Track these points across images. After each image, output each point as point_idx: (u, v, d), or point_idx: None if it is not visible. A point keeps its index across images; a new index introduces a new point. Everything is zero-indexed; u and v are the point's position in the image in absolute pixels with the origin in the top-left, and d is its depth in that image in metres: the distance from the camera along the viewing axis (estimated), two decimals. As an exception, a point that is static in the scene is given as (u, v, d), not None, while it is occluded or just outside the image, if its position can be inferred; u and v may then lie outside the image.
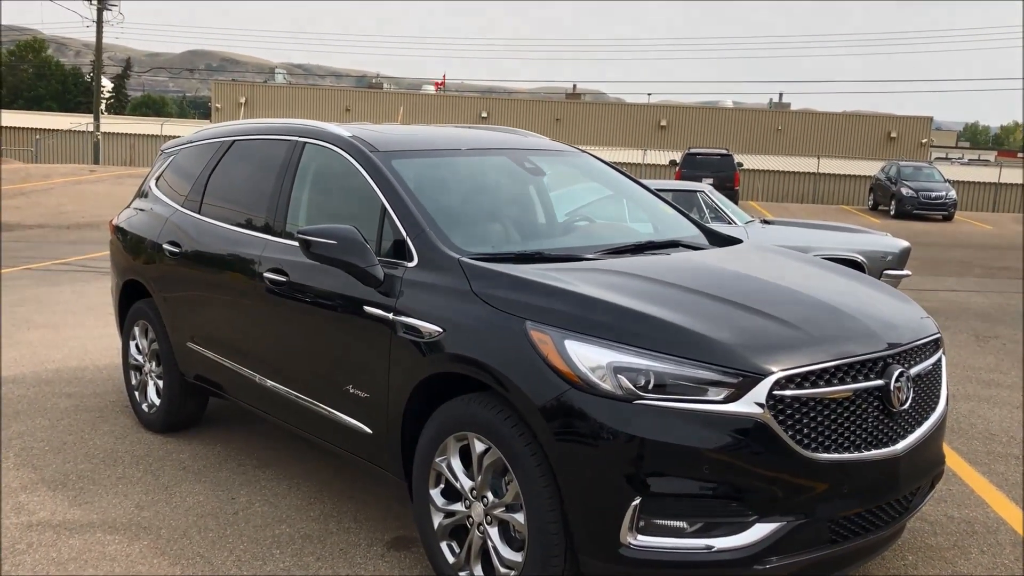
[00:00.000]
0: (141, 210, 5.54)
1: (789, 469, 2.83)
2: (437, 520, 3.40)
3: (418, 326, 3.37)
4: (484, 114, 47.94)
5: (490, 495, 3.18)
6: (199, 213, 4.94)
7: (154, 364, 5.32)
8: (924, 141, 48.72)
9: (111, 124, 39.57)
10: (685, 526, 2.83)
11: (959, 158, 69.55)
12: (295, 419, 4.19)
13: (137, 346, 5.47)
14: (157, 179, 5.58)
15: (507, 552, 3.13)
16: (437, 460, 3.35)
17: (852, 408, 2.97)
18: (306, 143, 4.36)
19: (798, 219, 12.75)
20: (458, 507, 3.31)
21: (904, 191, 26.13)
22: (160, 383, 5.24)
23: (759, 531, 2.82)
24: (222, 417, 5.57)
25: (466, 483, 3.26)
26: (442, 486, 3.40)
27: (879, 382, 3.03)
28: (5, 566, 3.66)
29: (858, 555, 3.15)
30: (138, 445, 5.12)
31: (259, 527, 4.06)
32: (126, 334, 5.55)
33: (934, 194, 25.96)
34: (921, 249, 14.72)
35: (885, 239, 9.71)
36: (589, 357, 2.88)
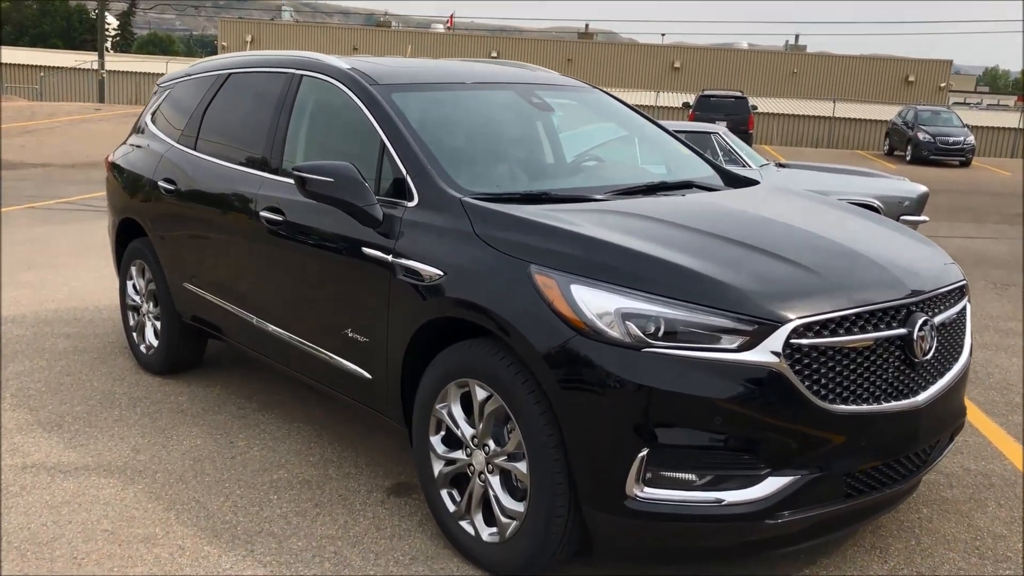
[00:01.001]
0: (137, 146, 5.37)
1: (805, 421, 2.70)
2: (437, 468, 3.29)
3: (418, 269, 3.23)
4: (494, 53, 47.21)
5: (491, 443, 3.06)
6: (194, 149, 4.77)
7: (151, 305, 5.21)
8: (943, 85, 47.85)
9: (116, 62, 39.11)
10: (694, 479, 2.71)
11: (977, 103, 68.40)
12: (293, 363, 4.07)
13: (134, 286, 5.35)
14: (153, 114, 5.40)
15: (509, 502, 3.02)
16: (437, 407, 3.24)
17: (872, 358, 2.83)
18: (303, 76, 4.17)
19: (814, 163, 12.49)
20: (459, 455, 3.20)
21: (921, 136, 25.67)
22: (158, 324, 5.13)
23: (772, 485, 2.70)
24: (222, 359, 5.47)
25: (467, 431, 3.14)
26: (443, 433, 3.28)
27: (901, 331, 2.88)
28: (-3, 509, 3.58)
29: (873, 510, 3.04)
30: (136, 387, 5.03)
31: (256, 472, 3.97)
32: (123, 274, 5.42)
33: (952, 139, 25.49)
34: (938, 195, 14.47)
35: (903, 184, 9.48)
36: (596, 303, 2.74)
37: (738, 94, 25.12)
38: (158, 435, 4.36)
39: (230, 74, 4.76)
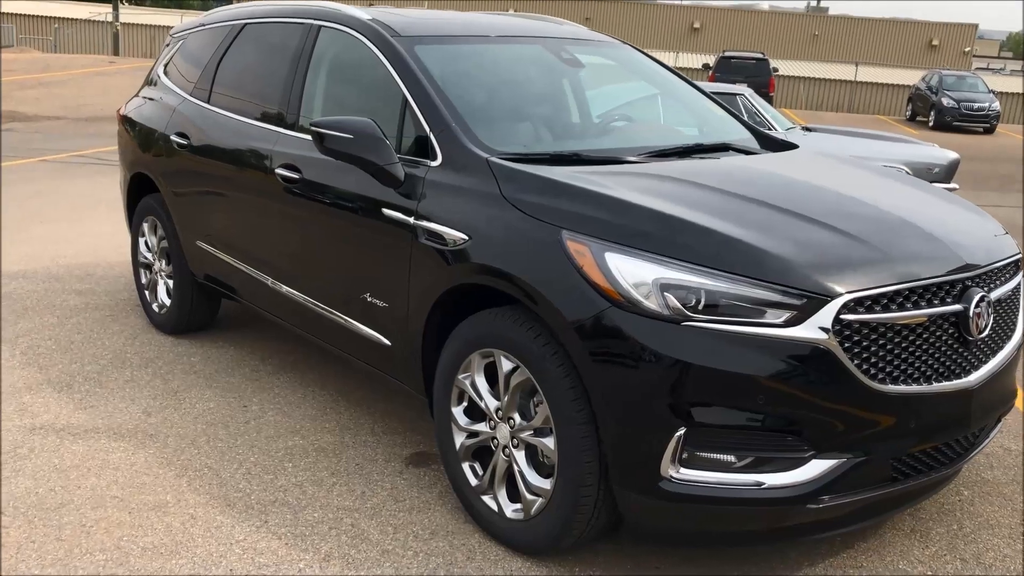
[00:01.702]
0: (149, 99, 5.20)
1: (853, 401, 2.54)
2: (459, 440, 3.16)
3: (441, 232, 3.06)
4: (511, 10, 46.55)
5: (517, 417, 2.92)
6: (208, 103, 4.60)
7: (164, 263, 5.07)
8: (967, 50, 46.98)
9: (131, 15, 38.73)
10: (733, 460, 2.56)
11: (1001, 68, 67.21)
12: (309, 326, 3.94)
13: (146, 243, 5.21)
14: (166, 66, 5.22)
15: (534, 478, 2.88)
16: (460, 377, 3.09)
17: (925, 335, 2.66)
18: (321, 27, 3.98)
19: (840, 127, 12.21)
20: (482, 427, 3.06)
21: (945, 101, 25.18)
22: (171, 283, 5.00)
23: (815, 468, 2.55)
24: (235, 319, 5.34)
25: (491, 403, 3.00)
26: (465, 404, 3.15)
27: (957, 307, 2.71)
28: (5, 471, 3.47)
29: (915, 495, 2.89)
30: (148, 347, 4.91)
31: (271, 438, 3.85)
32: (135, 230, 5.28)
33: (976, 105, 24.99)
34: (962, 162, 14.24)
35: (932, 150, 9.22)
36: (633, 272, 2.57)
37: (759, 56, 24.67)
38: (170, 397, 4.24)
39: (245, 24, 4.57)
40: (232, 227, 4.34)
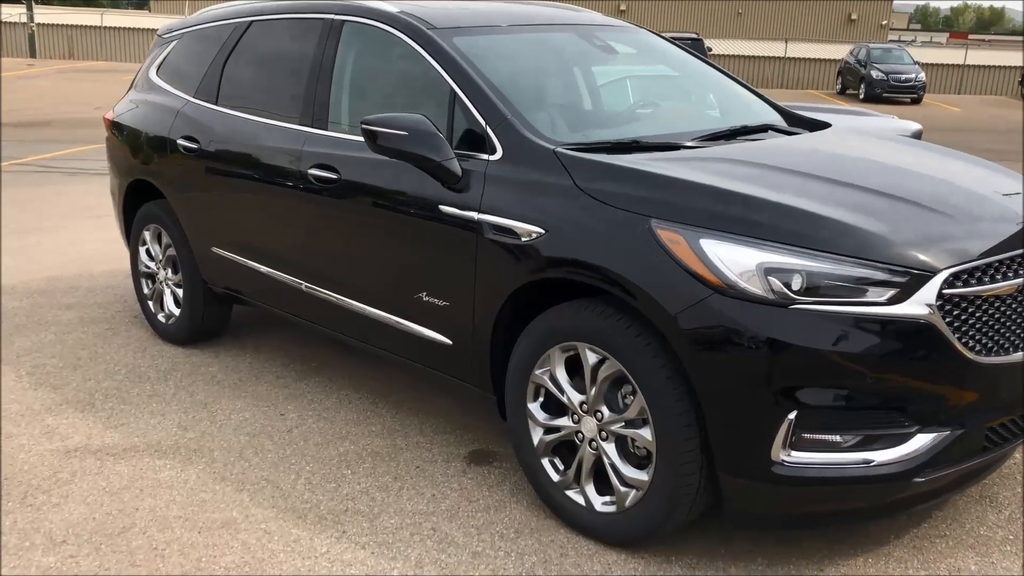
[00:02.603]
0: (142, 102, 5.01)
1: (955, 375, 2.58)
2: (537, 436, 3.12)
3: (512, 227, 3.01)
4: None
5: (605, 410, 2.89)
6: (216, 104, 4.45)
7: (170, 272, 4.90)
8: (884, 23, 48.18)
9: (46, 14, 37.35)
10: (841, 440, 2.58)
11: (911, 40, 69.14)
12: (351, 330, 3.84)
13: (148, 252, 5.03)
14: (158, 68, 5.03)
15: (629, 470, 2.86)
16: (537, 372, 3.05)
17: (1013, 305, 2.71)
18: (344, 21, 3.88)
19: (796, 103, 12.38)
20: (564, 422, 3.03)
21: (874, 74, 25.84)
22: (179, 291, 4.84)
23: (919, 442, 2.59)
24: (244, 325, 5.20)
25: (575, 397, 2.97)
26: (541, 400, 3.11)
27: None
28: (52, 498, 3.33)
29: (995, 463, 2.96)
30: (161, 359, 4.75)
31: (320, 445, 3.76)
32: (134, 239, 5.09)
33: (904, 76, 25.70)
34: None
35: (894, 122, 9.40)
36: (733, 258, 2.57)
37: (694, 36, 24.93)
38: (201, 410, 4.11)
39: (252, 22, 4.43)
40: (255, 231, 4.21)
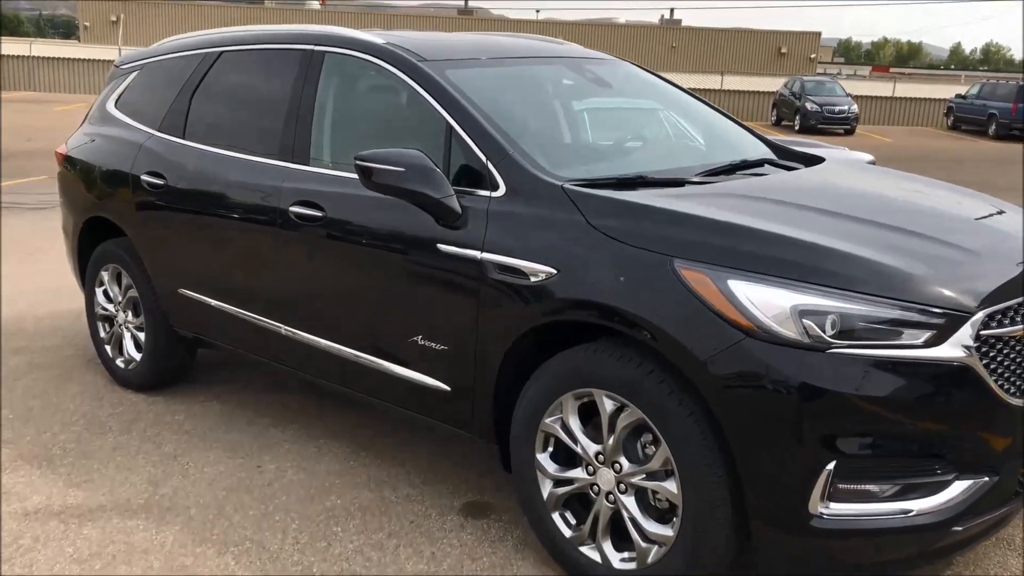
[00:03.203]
0: (99, 136, 4.75)
1: (993, 419, 2.49)
2: (547, 489, 2.95)
3: (520, 266, 2.86)
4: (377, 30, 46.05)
5: (624, 461, 2.74)
6: (183, 138, 4.22)
7: (130, 314, 4.63)
8: (812, 56, 49.54)
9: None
10: (879, 489, 2.46)
11: (837, 73, 71.25)
12: (339, 375, 3.63)
13: (106, 294, 4.75)
14: (117, 100, 4.78)
15: (651, 525, 2.71)
16: (547, 420, 2.89)
17: None
18: (325, 52, 3.70)
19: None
20: (577, 474, 2.87)
21: (809, 106, 26.39)
22: (141, 335, 4.56)
23: (956, 489, 2.49)
24: (208, 369, 4.93)
25: (590, 447, 2.81)
26: (551, 450, 2.94)
27: None
28: (15, 568, 3.05)
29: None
30: (122, 407, 4.46)
31: (304, 500, 3.53)
32: (90, 280, 4.80)
33: (837, 108, 26.30)
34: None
35: (847, 153, 9.53)
36: (765, 299, 2.45)
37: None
38: (171, 463, 3.85)
39: (221, 52, 4.23)
40: (228, 271, 3.98)
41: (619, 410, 2.72)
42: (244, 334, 3.99)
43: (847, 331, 2.42)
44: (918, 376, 2.41)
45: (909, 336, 2.42)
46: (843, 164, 3.78)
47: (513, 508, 3.43)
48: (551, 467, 2.93)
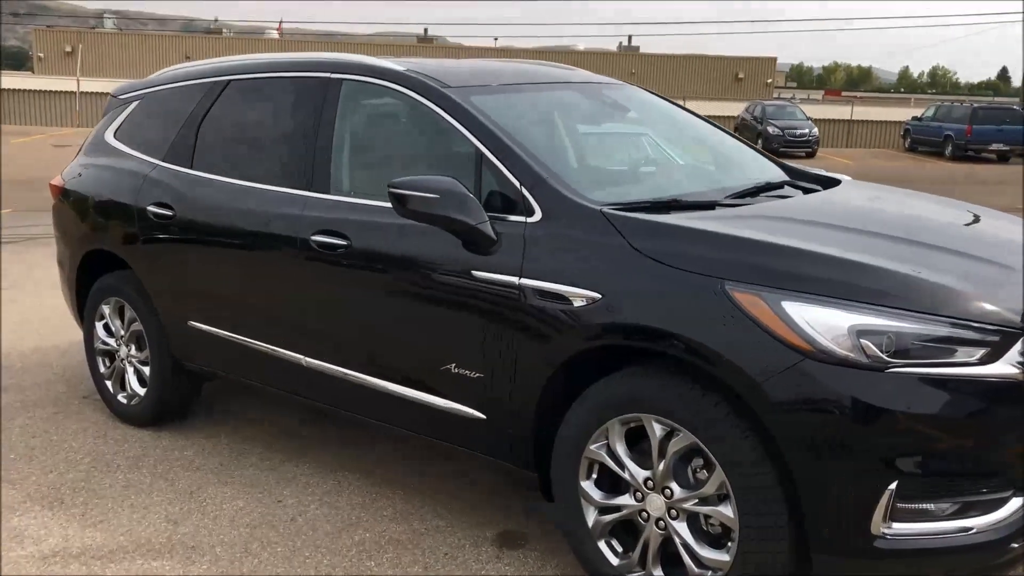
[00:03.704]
0: (99, 167, 4.66)
1: None
2: (592, 517, 2.91)
3: (562, 292, 2.84)
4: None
5: (675, 486, 2.71)
6: (191, 168, 4.15)
7: (133, 348, 4.52)
8: (769, 81, 50.47)
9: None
10: (938, 508, 2.46)
11: (791, 97, 72.65)
12: (362, 406, 3.56)
13: (107, 327, 4.64)
14: (116, 130, 4.69)
15: (705, 550, 2.68)
16: (592, 447, 2.86)
17: None
18: (344, 80, 3.67)
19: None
20: (624, 500, 2.84)
21: (771, 129, 26.80)
22: (146, 369, 4.46)
23: (1014, 505, 2.50)
24: (206, 403, 4.80)
25: (638, 473, 2.78)
26: (595, 476, 2.91)
27: None
28: (39, 615, 2.94)
29: None
30: (127, 444, 4.35)
31: (331, 534, 3.45)
32: (90, 314, 4.69)
33: (799, 131, 26.74)
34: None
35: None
36: (822, 320, 2.44)
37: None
38: (187, 500, 3.75)
39: (229, 81, 4.17)
40: (243, 303, 3.91)
41: (669, 435, 2.69)
42: (258, 366, 3.91)
43: (901, 351, 2.42)
44: (975, 394, 2.42)
45: (963, 354, 2.43)
46: (860, 185, 3.82)
47: (547, 537, 3.38)
48: (596, 494, 2.89)
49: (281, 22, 61.02)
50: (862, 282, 2.51)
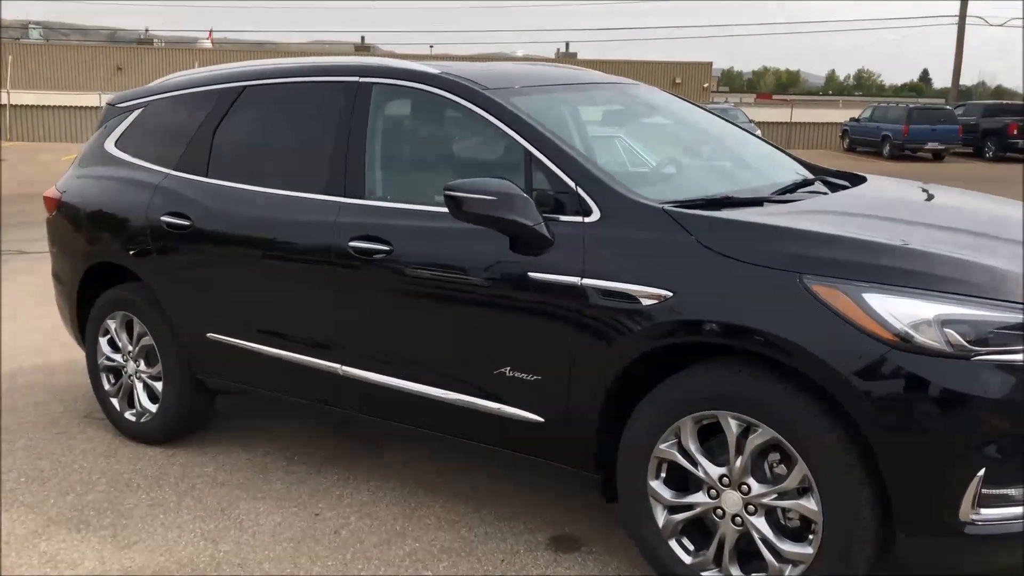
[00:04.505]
0: (101, 177, 4.51)
1: None
2: (661, 517, 2.90)
3: (629, 291, 2.82)
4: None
5: (752, 482, 2.72)
6: (207, 177, 4.04)
7: (142, 364, 4.38)
8: (705, 86, 51.20)
9: None
10: (1016, 493, 2.50)
11: (724, 102, 73.98)
12: (406, 413, 3.50)
13: (112, 343, 4.49)
14: (117, 140, 4.55)
15: (787, 544, 2.69)
16: (663, 446, 2.85)
17: None
18: (373, 84, 3.61)
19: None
20: (698, 498, 2.83)
21: (715, 133, 27.20)
22: (157, 385, 4.33)
23: None
24: (215, 418, 4.67)
25: (713, 470, 2.78)
26: (663, 475, 2.90)
27: None
28: (93, 641, 2.82)
29: None
30: (141, 462, 4.21)
31: (380, 546, 3.39)
32: (93, 330, 4.54)
33: (742, 134, 27.17)
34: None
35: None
36: (905, 311, 2.47)
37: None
38: (220, 517, 3.65)
39: (245, 87, 4.08)
40: (269, 312, 3.81)
41: (746, 431, 2.70)
42: (286, 376, 3.82)
43: (980, 339, 2.46)
44: None
45: None
46: (889, 180, 3.89)
47: (601, 538, 3.37)
48: (666, 493, 2.89)
49: (211, 31, 60.00)
50: (938, 272, 2.55)
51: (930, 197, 3.57)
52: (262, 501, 3.79)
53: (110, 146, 4.57)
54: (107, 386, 4.55)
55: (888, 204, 3.33)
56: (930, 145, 26.74)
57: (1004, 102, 32.27)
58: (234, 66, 4.29)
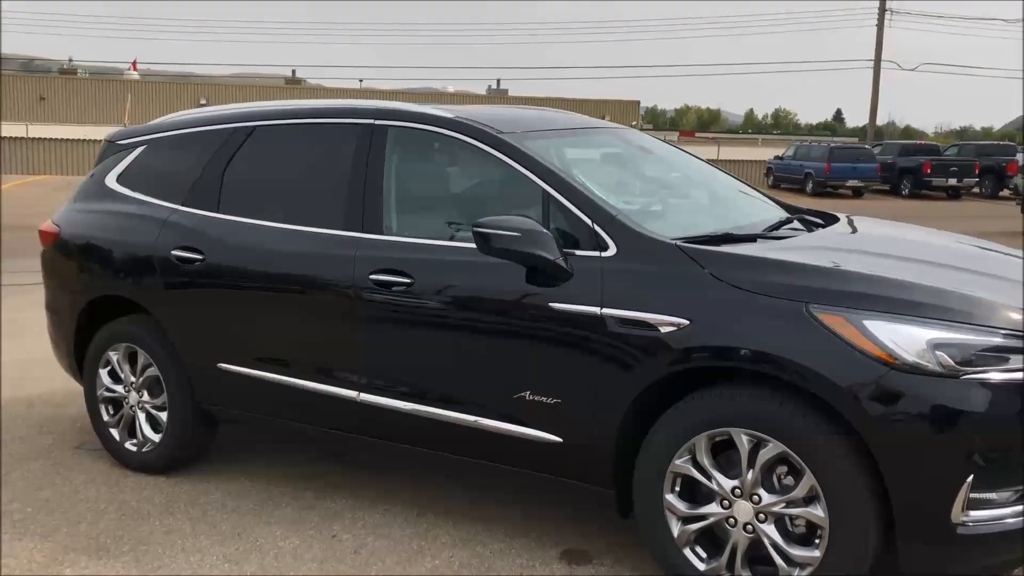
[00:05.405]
0: (102, 212, 4.62)
1: None
2: (676, 527, 3.15)
3: (647, 319, 3.09)
4: (203, 100, 45.12)
5: (763, 492, 3.00)
6: (218, 212, 4.20)
7: (145, 394, 4.48)
8: (633, 123, 52.42)
9: None
10: (999, 497, 2.83)
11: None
12: (425, 437, 3.68)
13: (113, 374, 4.57)
14: (120, 175, 4.67)
15: (796, 549, 2.97)
16: (678, 462, 3.11)
17: None
18: (389, 127, 3.84)
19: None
20: (711, 509, 3.09)
21: (648, 169, 27.94)
22: (162, 415, 4.42)
23: None
24: (212, 448, 4.78)
25: (725, 483, 3.05)
26: (677, 489, 3.16)
27: None
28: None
29: None
30: (147, 491, 4.29)
31: (402, 564, 3.56)
32: (93, 362, 4.61)
33: (674, 171, 27.97)
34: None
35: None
36: (902, 336, 2.80)
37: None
38: (239, 541, 3.77)
39: (255, 127, 4.26)
40: (282, 342, 3.97)
41: (756, 446, 2.98)
42: (303, 405, 3.97)
43: (966, 360, 2.79)
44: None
45: (1015, 361, 2.83)
46: (863, 219, 4.26)
47: (611, 551, 3.60)
48: (681, 505, 3.14)
49: (135, 61, 59.20)
50: (928, 300, 2.89)
51: (909, 235, 3.95)
52: (276, 525, 3.92)
53: (111, 181, 4.68)
54: (106, 417, 4.62)
55: (872, 241, 3.68)
56: (851, 182, 27.93)
57: (919, 142, 33.96)
58: (242, 106, 4.47)
